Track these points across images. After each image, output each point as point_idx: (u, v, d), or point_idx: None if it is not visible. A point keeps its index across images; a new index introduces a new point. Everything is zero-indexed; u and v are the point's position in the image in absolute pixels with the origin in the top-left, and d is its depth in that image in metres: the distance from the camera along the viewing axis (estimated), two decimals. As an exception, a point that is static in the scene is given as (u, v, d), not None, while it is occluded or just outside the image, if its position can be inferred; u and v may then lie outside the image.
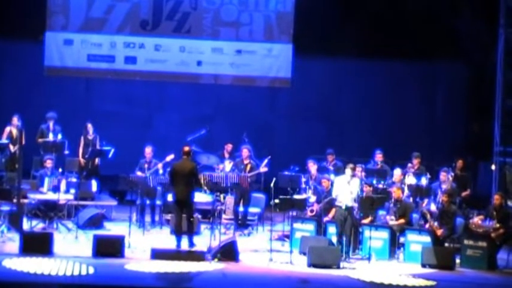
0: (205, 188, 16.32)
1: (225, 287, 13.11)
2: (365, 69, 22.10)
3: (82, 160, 18.92)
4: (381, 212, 16.09)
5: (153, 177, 17.02)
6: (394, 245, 15.61)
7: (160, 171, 17.40)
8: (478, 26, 21.05)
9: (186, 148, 15.32)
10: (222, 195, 17.39)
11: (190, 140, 18.41)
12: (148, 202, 17.50)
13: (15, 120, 18.40)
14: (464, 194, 17.66)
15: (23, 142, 17.81)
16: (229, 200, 17.78)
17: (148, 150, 17.67)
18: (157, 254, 14.52)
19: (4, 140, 18.21)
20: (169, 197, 17.18)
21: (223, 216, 17.44)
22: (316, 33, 21.48)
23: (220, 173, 17.43)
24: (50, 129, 18.64)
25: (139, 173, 17.31)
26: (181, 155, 15.36)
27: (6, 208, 15.89)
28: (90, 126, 18.97)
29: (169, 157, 17.34)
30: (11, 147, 18.23)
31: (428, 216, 15.61)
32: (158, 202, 17.62)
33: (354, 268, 14.61)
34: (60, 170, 17.63)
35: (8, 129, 18.37)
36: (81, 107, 21.41)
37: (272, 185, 15.69)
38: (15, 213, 15.82)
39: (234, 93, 22.15)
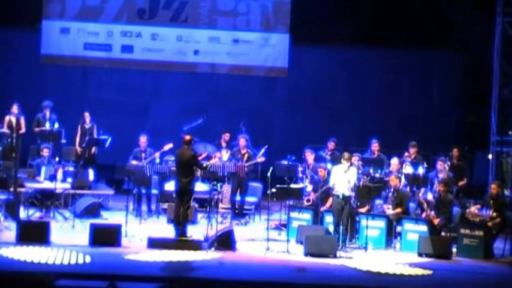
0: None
1: (222, 276, 13.09)
2: (362, 59, 22.09)
3: (79, 149, 18.92)
4: (378, 201, 16.11)
5: (150, 166, 16.99)
6: (391, 234, 15.62)
7: (157, 160, 17.37)
8: (474, 15, 21.02)
9: (187, 137, 15.27)
10: (218, 185, 17.41)
11: (186, 129, 18.39)
12: (144, 191, 17.48)
13: (15, 108, 18.35)
14: (461, 183, 17.67)
15: (23, 129, 17.81)
16: (226, 189, 17.79)
17: (143, 139, 17.60)
18: (154, 243, 14.53)
19: (5, 129, 18.16)
20: (167, 186, 17.21)
21: (220, 205, 17.45)
22: (313, 23, 21.46)
23: (217, 162, 17.41)
24: (46, 118, 18.62)
25: (134, 162, 17.25)
26: (182, 144, 15.34)
27: (3, 197, 15.90)
28: (87, 115, 18.96)
29: (167, 146, 17.31)
30: (9, 133, 18.15)
31: (425, 205, 15.62)
32: (155, 191, 17.62)
33: (351, 257, 14.62)
34: (57, 159, 17.61)
35: (7, 118, 18.33)
36: (77, 96, 21.40)
37: (269, 174, 15.69)
38: (12, 202, 15.83)
39: (230, 83, 22.15)
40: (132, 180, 17.11)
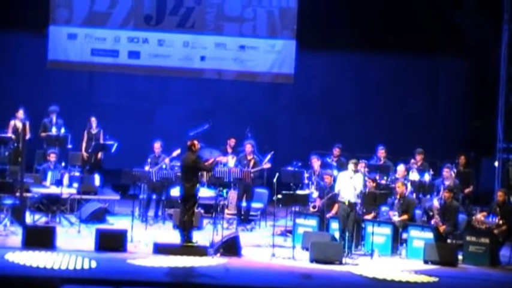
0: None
1: (227, 282, 13.09)
2: (368, 65, 22.10)
3: (85, 154, 18.94)
4: (384, 208, 16.08)
5: (156, 171, 16.98)
6: (397, 241, 15.60)
7: (164, 166, 17.37)
8: (481, 21, 21.03)
9: (189, 142, 15.28)
10: (224, 190, 17.41)
11: (193, 134, 18.40)
12: (154, 197, 17.47)
13: (21, 113, 18.38)
14: (467, 190, 17.64)
15: (28, 135, 17.84)
16: (232, 195, 17.79)
17: (157, 146, 17.63)
18: (160, 249, 14.53)
19: (10, 134, 18.20)
20: (173, 192, 17.21)
21: (226, 211, 17.46)
22: (319, 29, 21.47)
23: (223, 168, 17.41)
24: (53, 123, 18.64)
25: (147, 168, 17.24)
26: (186, 150, 15.34)
27: (9, 202, 15.92)
28: (93, 120, 18.98)
29: (176, 152, 17.33)
30: (16, 139, 18.18)
31: (434, 211, 15.56)
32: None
33: (357, 264, 14.61)
34: (63, 164, 17.63)
35: (12, 122, 18.37)
36: (84, 101, 21.42)
37: (275, 180, 15.68)
38: (18, 206, 15.85)
39: (236, 89, 22.17)
40: (143, 185, 17.12)
